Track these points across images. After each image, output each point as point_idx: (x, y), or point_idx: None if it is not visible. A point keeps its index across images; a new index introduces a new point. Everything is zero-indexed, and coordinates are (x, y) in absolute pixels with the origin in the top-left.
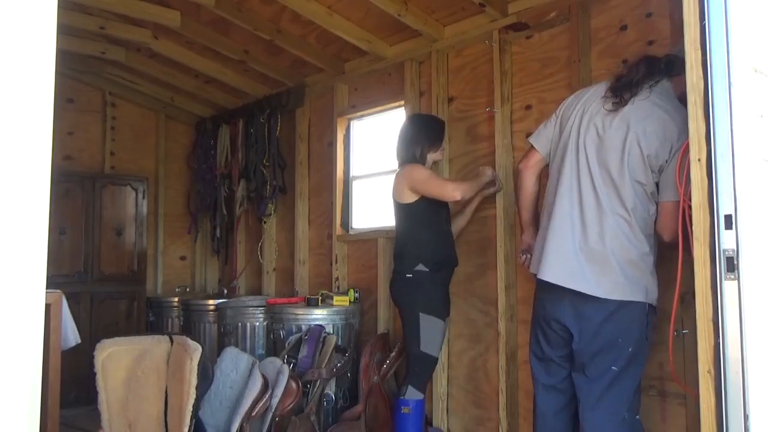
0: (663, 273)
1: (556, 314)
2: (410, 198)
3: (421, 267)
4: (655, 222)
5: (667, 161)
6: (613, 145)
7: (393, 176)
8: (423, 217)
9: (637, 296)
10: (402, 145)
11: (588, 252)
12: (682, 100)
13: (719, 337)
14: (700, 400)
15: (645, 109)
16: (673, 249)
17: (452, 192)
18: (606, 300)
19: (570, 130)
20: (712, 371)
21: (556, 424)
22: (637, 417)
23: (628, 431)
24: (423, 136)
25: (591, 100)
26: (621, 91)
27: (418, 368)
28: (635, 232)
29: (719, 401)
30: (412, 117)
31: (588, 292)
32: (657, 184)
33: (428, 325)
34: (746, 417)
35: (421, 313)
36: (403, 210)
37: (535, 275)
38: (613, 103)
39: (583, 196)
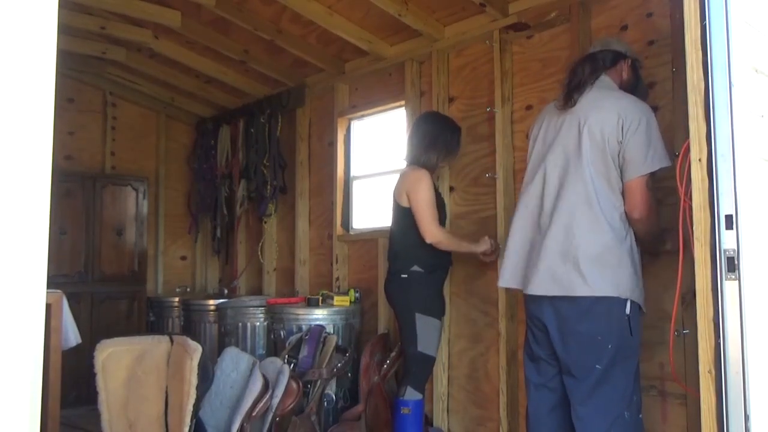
0: (663, 273)
1: (538, 313)
2: (408, 202)
3: (416, 268)
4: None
5: (620, 142)
6: (569, 144)
7: (393, 176)
8: None
9: (609, 291)
10: (418, 144)
11: (552, 254)
12: (623, 88)
13: (720, 337)
14: (701, 400)
15: (590, 101)
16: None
17: (431, 234)
18: (578, 297)
19: (534, 145)
20: (713, 371)
21: (549, 423)
22: (640, 416)
23: (627, 430)
24: (442, 144)
25: (548, 112)
26: (572, 93)
27: (416, 368)
28: (601, 225)
29: (720, 401)
30: (437, 118)
31: (557, 294)
32: (621, 169)
33: (425, 325)
34: (747, 417)
35: (417, 314)
36: (401, 211)
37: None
38: (565, 106)
39: (546, 200)
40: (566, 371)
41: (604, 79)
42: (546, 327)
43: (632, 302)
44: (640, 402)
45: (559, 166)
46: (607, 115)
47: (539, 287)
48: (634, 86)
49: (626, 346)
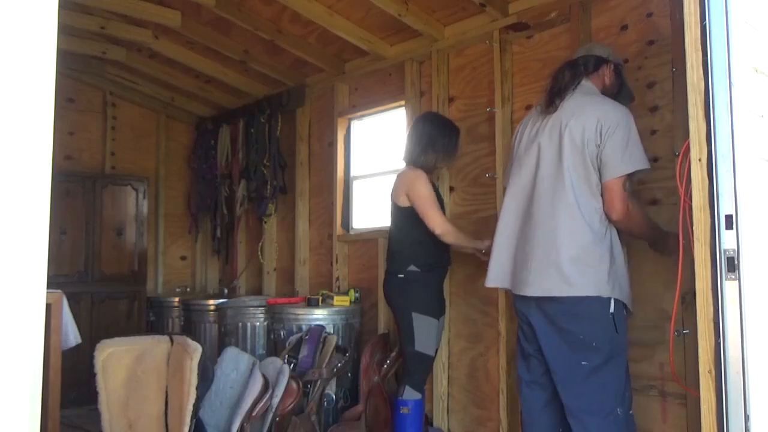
0: (663, 273)
1: (525, 311)
2: (406, 202)
3: (412, 267)
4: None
5: (598, 145)
6: (551, 148)
7: (393, 176)
8: (418, 220)
9: (590, 291)
10: (416, 145)
11: (535, 255)
12: (605, 92)
13: (720, 337)
14: (701, 400)
15: (570, 106)
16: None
17: (438, 226)
18: (561, 298)
19: (517, 149)
20: (713, 371)
21: (543, 419)
22: (631, 412)
23: (620, 427)
24: (441, 145)
25: (531, 116)
26: (553, 98)
27: (414, 368)
28: (581, 227)
29: (720, 401)
30: (436, 119)
31: (542, 295)
32: (599, 171)
33: (421, 324)
34: (747, 417)
35: (413, 313)
36: (399, 211)
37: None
38: (547, 111)
39: (529, 203)
40: (553, 369)
41: (586, 84)
42: (532, 325)
43: (616, 301)
44: (631, 398)
45: (541, 170)
46: (587, 120)
47: (525, 288)
48: (618, 90)
49: (613, 344)
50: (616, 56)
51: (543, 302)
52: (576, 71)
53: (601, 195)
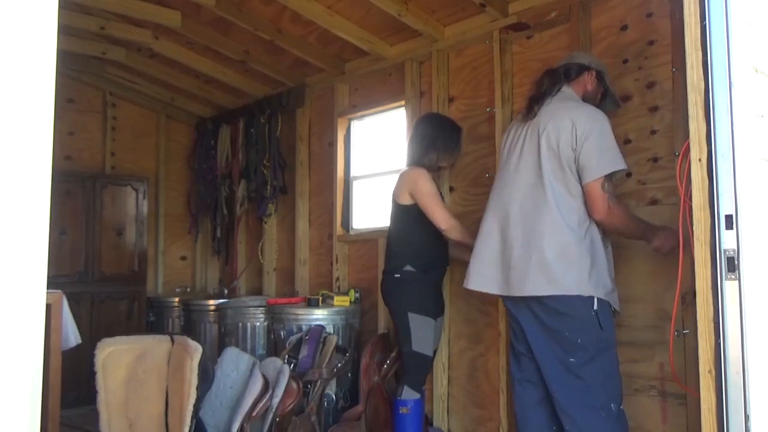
0: (663, 273)
1: (513, 311)
2: (408, 200)
3: (409, 267)
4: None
5: (574, 149)
6: (531, 152)
7: (393, 176)
8: (418, 219)
9: (572, 290)
10: (417, 146)
11: (518, 257)
12: (587, 99)
13: (720, 337)
14: (701, 400)
15: (548, 112)
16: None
17: (443, 222)
18: (544, 297)
19: (503, 154)
20: (713, 371)
21: (536, 416)
22: (622, 407)
23: (613, 422)
24: (442, 144)
25: (514, 122)
26: (532, 105)
27: (412, 368)
28: (561, 228)
29: (720, 401)
30: (435, 119)
31: (526, 294)
32: (579, 174)
33: (418, 324)
34: (747, 417)
35: (410, 313)
36: (399, 210)
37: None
38: (527, 118)
39: (511, 206)
40: (542, 366)
41: (566, 91)
42: (521, 324)
43: (600, 299)
44: (622, 393)
45: (522, 174)
46: (561, 125)
47: (510, 289)
48: (603, 96)
49: (599, 340)
50: (598, 63)
51: (529, 301)
52: (555, 78)
53: (582, 197)
